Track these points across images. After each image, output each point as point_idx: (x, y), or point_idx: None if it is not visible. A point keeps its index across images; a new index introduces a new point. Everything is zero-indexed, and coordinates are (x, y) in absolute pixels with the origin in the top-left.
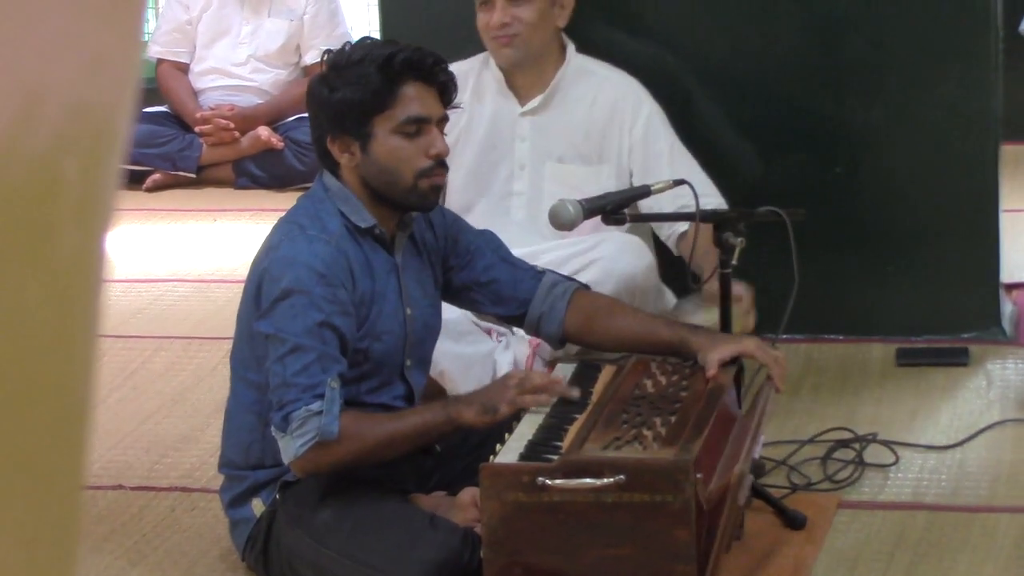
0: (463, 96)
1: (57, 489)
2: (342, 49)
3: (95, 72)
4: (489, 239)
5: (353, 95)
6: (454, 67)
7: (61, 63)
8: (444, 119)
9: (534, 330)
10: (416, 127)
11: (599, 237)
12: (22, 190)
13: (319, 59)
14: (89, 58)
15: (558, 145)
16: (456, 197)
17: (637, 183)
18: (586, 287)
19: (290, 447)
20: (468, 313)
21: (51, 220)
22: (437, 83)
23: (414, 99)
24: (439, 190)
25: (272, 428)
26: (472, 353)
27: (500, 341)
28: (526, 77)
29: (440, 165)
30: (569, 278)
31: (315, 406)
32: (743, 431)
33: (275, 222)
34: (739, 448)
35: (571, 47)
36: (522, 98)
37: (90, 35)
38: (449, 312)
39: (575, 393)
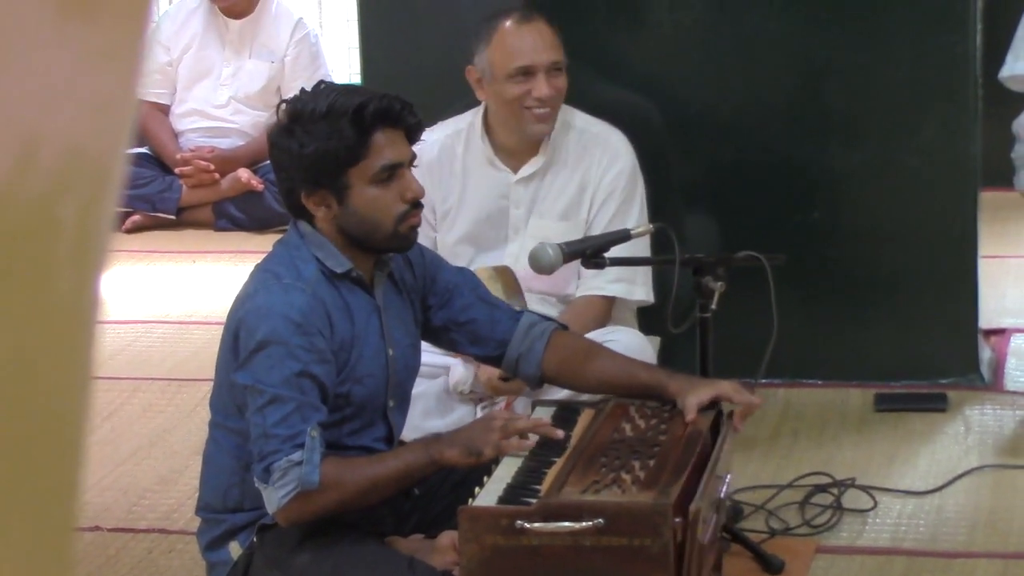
0: (453, 167)
1: (50, 529)
2: (300, 98)
3: (92, 117)
4: (468, 278)
5: (327, 149)
6: (438, 136)
7: (59, 108)
8: (413, 158)
9: (512, 370)
10: (390, 173)
11: (603, 333)
12: (20, 232)
13: None
14: (86, 103)
15: (547, 205)
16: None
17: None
18: (564, 327)
19: (273, 498)
20: (435, 388)
21: (48, 261)
22: (406, 126)
23: (386, 146)
24: (416, 229)
25: (255, 479)
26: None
27: (481, 404)
28: (520, 144)
29: (416, 206)
30: (548, 318)
31: (296, 456)
32: (701, 468)
33: (253, 267)
34: (696, 485)
35: None
36: (513, 163)
37: (87, 81)
38: (416, 387)
39: (559, 434)
